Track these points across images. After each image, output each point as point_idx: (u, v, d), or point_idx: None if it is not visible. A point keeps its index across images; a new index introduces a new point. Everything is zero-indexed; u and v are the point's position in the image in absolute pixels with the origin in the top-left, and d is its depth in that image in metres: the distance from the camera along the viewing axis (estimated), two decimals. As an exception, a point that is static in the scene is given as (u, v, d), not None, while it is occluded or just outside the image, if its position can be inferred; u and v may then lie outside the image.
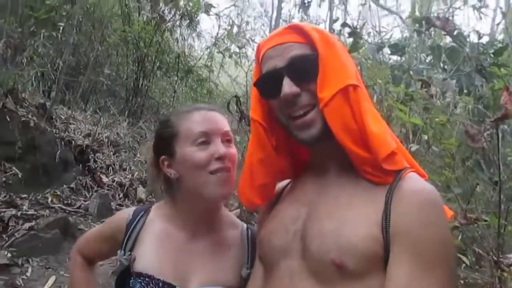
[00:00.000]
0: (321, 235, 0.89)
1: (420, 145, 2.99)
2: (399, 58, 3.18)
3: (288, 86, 0.94)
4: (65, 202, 5.07)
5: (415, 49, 3.42)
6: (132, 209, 1.34)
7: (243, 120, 3.71)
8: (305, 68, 0.95)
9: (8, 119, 4.91)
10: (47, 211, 4.55)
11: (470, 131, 2.89)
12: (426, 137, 2.53)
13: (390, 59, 3.97)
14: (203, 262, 1.21)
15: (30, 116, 5.26)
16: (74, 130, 6.71)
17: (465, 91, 2.73)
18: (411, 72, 3.01)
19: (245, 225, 1.35)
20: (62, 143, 5.68)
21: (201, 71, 10.61)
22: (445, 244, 0.83)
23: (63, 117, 6.87)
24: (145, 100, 9.92)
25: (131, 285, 1.18)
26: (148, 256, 1.20)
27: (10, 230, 3.79)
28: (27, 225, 3.87)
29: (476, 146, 2.95)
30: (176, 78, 10.35)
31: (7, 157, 4.79)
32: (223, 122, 1.23)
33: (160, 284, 1.15)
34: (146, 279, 1.16)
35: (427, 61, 3.52)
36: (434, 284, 0.79)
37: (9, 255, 3.52)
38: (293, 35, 0.98)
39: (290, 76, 0.95)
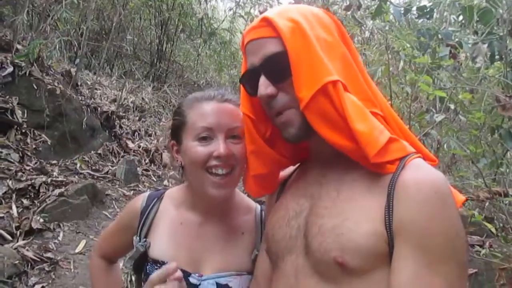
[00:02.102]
0: (322, 233, 0.86)
1: (447, 114, 2.88)
2: (426, 20, 3.01)
3: (263, 87, 0.91)
4: (93, 168, 5.22)
5: (445, 10, 3.23)
6: (146, 194, 1.33)
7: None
8: (279, 67, 0.90)
9: (35, 87, 5.00)
10: (76, 177, 4.70)
11: (501, 99, 2.76)
12: (452, 106, 2.43)
13: (419, 21, 3.78)
14: (216, 248, 1.21)
15: (56, 84, 5.35)
16: (100, 95, 6.83)
17: (497, 56, 2.58)
18: (439, 36, 2.86)
19: (259, 207, 1.33)
20: (88, 110, 5.79)
21: (224, 33, 10.46)
22: (452, 237, 0.77)
23: (89, 83, 6.98)
24: (169, 64, 9.94)
25: (147, 271, 1.19)
26: (163, 243, 1.21)
27: (42, 196, 3.94)
28: (57, 191, 4.01)
29: (507, 114, 2.83)
30: (199, 41, 10.26)
31: (36, 125, 4.92)
32: (232, 116, 1.16)
33: None
34: (162, 265, 1.13)
35: (457, 22, 3.33)
36: (440, 280, 0.74)
37: (41, 220, 3.69)
38: (266, 28, 0.92)
39: (266, 76, 0.92)
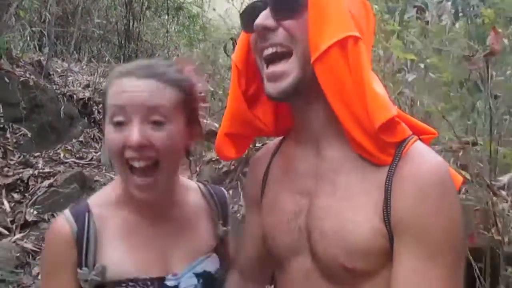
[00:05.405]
0: (324, 238, 0.83)
1: (418, 72, 3.03)
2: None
3: (262, 18, 0.81)
4: (77, 156, 5.23)
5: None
6: (67, 216, 1.01)
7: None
8: (290, 3, 0.80)
9: (7, 80, 4.92)
10: (62, 166, 4.72)
11: (467, 54, 2.92)
12: (422, 65, 2.57)
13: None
14: (179, 240, 1.08)
15: (28, 75, 5.27)
16: (72, 82, 6.72)
17: (460, 14, 2.71)
18: (405, -3, 2.97)
19: (200, 184, 1.23)
20: (64, 98, 5.74)
21: (191, 7, 10.28)
22: (451, 230, 0.75)
23: (59, 70, 6.85)
24: (139, 44, 9.75)
25: None
26: (121, 260, 1.00)
27: (31, 189, 3.98)
28: (46, 182, 4.05)
29: (473, 68, 3.00)
30: (166, 16, 10.08)
31: (13, 119, 4.89)
32: (153, 94, 0.93)
33: (149, 283, 1.00)
34: (130, 284, 0.98)
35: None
36: (439, 271, 0.73)
37: (35, 212, 3.74)
38: None
39: (273, 7, 0.81)
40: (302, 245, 0.88)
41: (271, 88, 0.83)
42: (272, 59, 0.83)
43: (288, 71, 0.81)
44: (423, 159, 0.78)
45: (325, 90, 0.79)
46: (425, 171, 0.76)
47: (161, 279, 1.01)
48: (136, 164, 0.93)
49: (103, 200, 1.07)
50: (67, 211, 1.03)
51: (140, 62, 1.00)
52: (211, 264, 1.10)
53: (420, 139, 0.84)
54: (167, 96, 0.94)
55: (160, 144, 0.92)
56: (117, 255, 1.00)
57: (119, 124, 0.92)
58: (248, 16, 0.86)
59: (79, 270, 0.98)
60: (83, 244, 0.98)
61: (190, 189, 1.19)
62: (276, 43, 0.81)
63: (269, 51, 0.82)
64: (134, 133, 0.90)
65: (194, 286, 1.05)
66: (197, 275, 1.06)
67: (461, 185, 0.87)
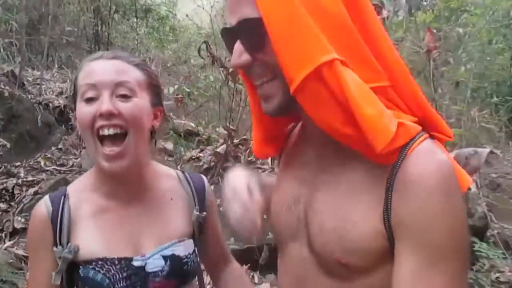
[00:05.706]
0: (323, 234, 0.82)
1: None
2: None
3: (236, 55, 0.80)
4: (58, 163, 5.30)
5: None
6: (45, 199, 1.13)
7: (215, 63, 3.93)
8: (254, 36, 0.77)
9: (-18, 93, 4.96)
10: (44, 174, 4.80)
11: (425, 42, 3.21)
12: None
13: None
14: (150, 223, 1.14)
15: (2, 86, 5.30)
16: (45, 90, 6.73)
17: (413, 11, 2.98)
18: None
19: (179, 172, 1.29)
20: (40, 107, 5.78)
21: (160, 8, 10.35)
22: (455, 234, 0.71)
23: (31, 79, 6.85)
24: (109, 48, 9.74)
25: (82, 274, 1.05)
26: (91, 240, 1.08)
27: (17, 197, 4.06)
28: (31, 190, 4.13)
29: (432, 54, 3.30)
30: (135, 19, 10.10)
31: (-9, 130, 4.93)
32: (119, 72, 1.05)
33: (116, 262, 1.05)
34: (99, 262, 1.05)
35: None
36: (442, 277, 0.70)
37: (23, 220, 3.82)
38: None
39: (241, 41, 0.79)
40: (300, 233, 0.88)
41: (264, 107, 0.84)
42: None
43: (272, 94, 0.81)
44: (428, 159, 0.73)
45: (313, 118, 0.76)
46: (428, 172, 0.71)
47: (129, 260, 1.07)
48: (106, 132, 1.01)
49: (79, 186, 1.17)
50: (46, 196, 1.14)
51: (106, 51, 1.13)
52: (182, 248, 1.13)
53: (431, 136, 0.79)
54: (132, 74, 1.07)
55: (128, 113, 1.02)
56: (88, 235, 1.08)
57: (90, 100, 1.02)
58: (227, 39, 0.85)
59: (54, 248, 1.06)
60: (57, 224, 1.07)
61: (167, 175, 1.25)
62: (258, 75, 0.81)
63: (257, 83, 0.83)
64: (105, 102, 1.00)
65: (161, 267, 1.09)
66: (165, 258, 1.10)
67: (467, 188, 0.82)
